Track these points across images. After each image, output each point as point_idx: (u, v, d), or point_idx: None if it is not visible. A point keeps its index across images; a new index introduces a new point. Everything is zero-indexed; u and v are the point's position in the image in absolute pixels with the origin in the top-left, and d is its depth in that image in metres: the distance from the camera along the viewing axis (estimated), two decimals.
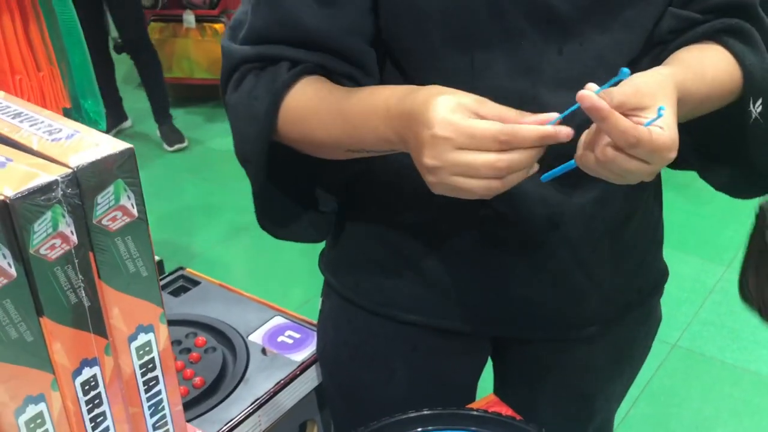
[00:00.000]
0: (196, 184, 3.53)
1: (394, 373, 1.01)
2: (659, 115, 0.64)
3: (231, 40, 0.86)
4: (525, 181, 0.84)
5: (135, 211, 0.57)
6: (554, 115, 0.67)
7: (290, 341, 1.14)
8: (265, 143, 0.83)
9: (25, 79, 1.48)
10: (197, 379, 1.06)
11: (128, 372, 0.61)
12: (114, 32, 4.66)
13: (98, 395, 0.59)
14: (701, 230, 2.96)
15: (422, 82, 0.75)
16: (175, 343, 1.13)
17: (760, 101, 0.80)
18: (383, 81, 0.85)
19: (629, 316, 1.00)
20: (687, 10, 0.82)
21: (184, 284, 1.30)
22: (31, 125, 0.59)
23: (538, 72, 0.79)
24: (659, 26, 0.82)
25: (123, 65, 4.78)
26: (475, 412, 0.90)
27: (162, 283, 1.30)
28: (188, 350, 1.12)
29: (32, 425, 0.55)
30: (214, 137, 3.90)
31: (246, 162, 0.86)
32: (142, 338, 0.61)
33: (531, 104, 0.79)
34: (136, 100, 4.36)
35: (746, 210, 3.19)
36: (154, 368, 0.63)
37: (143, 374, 0.62)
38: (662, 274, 1.04)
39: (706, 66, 0.79)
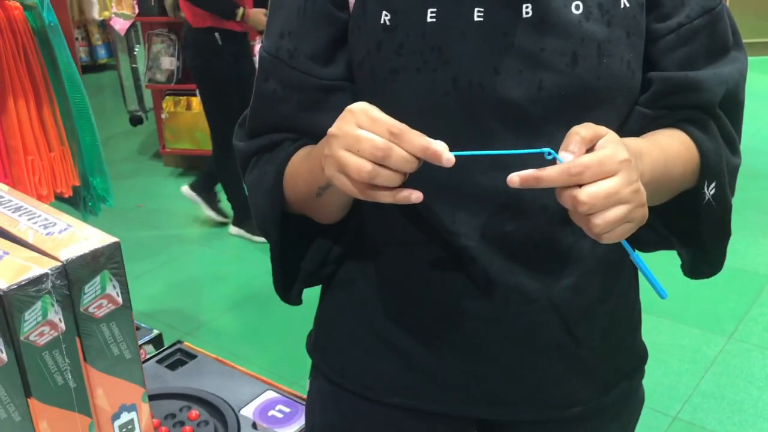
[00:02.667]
0: (204, 254, 3.59)
1: None
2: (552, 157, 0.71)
3: (239, 140, 0.97)
4: (502, 269, 0.89)
5: (120, 299, 0.63)
6: (443, 145, 0.71)
7: (280, 415, 1.17)
8: (276, 209, 0.91)
9: (37, 159, 1.56)
10: None
11: None
12: (131, 105, 4.83)
13: None
14: (702, 301, 2.97)
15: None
16: (170, 416, 1.17)
17: (713, 184, 0.85)
18: None
19: (609, 397, 1.02)
20: (653, 108, 0.87)
21: (181, 357, 1.34)
22: (29, 219, 0.65)
23: (510, 168, 0.80)
24: (627, 124, 0.87)
25: (138, 136, 4.94)
26: None
27: (160, 356, 1.34)
28: (182, 423, 1.15)
29: None
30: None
31: (265, 232, 0.95)
32: (125, 417, 0.66)
33: (504, 197, 0.84)
34: (146, 173, 4.48)
35: (747, 281, 3.19)
36: None
37: None
38: (640, 356, 1.06)
39: (664, 139, 0.84)
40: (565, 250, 0.89)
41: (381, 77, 0.84)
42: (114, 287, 0.62)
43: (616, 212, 0.71)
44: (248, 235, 3.64)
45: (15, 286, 0.55)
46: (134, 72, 4.68)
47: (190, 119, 4.21)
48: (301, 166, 0.89)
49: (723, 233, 0.91)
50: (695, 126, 0.87)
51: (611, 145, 0.72)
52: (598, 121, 0.85)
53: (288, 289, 1.01)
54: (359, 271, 0.99)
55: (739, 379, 2.58)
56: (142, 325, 1.47)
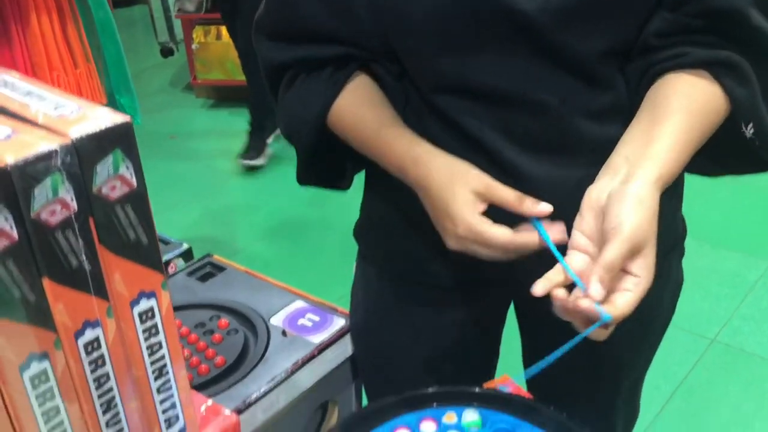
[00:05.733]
0: (237, 183, 3.59)
1: (420, 335, 1.07)
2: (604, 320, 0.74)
3: (262, 45, 0.96)
4: (528, 161, 0.89)
5: (134, 181, 0.60)
6: (548, 207, 0.81)
7: (309, 324, 1.16)
8: (313, 140, 0.94)
9: (62, 75, 1.54)
10: (219, 359, 1.09)
11: (131, 335, 0.64)
12: (161, 36, 4.79)
13: (101, 356, 0.62)
14: (744, 225, 2.90)
15: (422, 82, 0.86)
16: (200, 325, 1.17)
17: (751, 125, 0.82)
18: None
19: None
20: (675, 13, 0.82)
21: (211, 270, 1.34)
22: (39, 101, 0.63)
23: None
24: (647, 28, 0.83)
25: (170, 68, 4.91)
26: (477, 390, 0.92)
27: (190, 269, 1.34)
28: (211, 332, 1.15)
29: (36, 381, 0.59)
30: None
31: (294, 143, 0.98)
32: (145, 304, 0.64)
33: (518, 99, 0.86)
34: (179, 104, 4.47)
35: None
36: (157, 333, 0.66)
37: (146, 338, 0.65)
38: (680, 231, 1.05)
39: (694, 122, 0.79)
40: (590, 140, 0.88)
41: None
42: (127, 168, 0.59)
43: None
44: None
45: (22, 162, 0.53)
46: (164, 3, 4.63)
47: (220, 49, 4.16)
48: (363, 138, 0.92)
49: (762, 164, 0.89)
50: (725, 70, 0.82)
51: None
52: (612, 30, 0.82)
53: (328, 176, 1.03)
54: None
55: None
56: (172, 239, 1.47)
